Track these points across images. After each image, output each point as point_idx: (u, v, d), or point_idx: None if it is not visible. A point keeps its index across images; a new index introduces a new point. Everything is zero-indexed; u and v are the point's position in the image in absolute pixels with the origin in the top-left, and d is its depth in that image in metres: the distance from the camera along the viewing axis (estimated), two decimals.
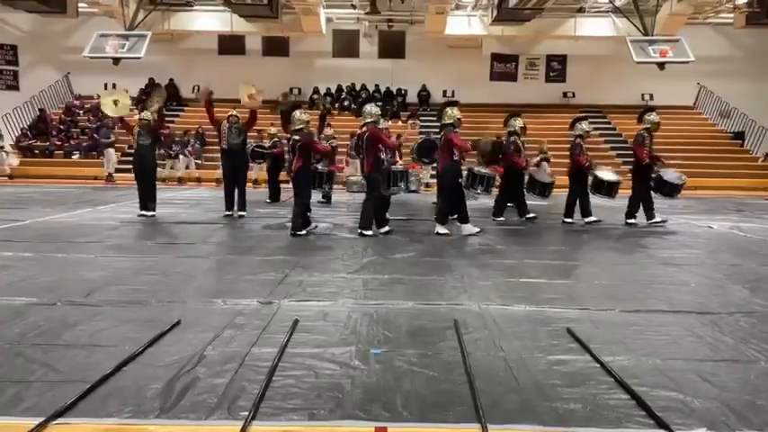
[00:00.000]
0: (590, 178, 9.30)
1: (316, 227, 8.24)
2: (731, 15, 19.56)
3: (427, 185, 15.41)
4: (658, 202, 9.23)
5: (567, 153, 9.43)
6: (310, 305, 4.35)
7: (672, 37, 17.39)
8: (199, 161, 18.80)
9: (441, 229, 7.90)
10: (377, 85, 23.06)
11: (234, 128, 9.37)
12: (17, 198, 12.27)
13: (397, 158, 10.00)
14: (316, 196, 9.38)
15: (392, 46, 23.05)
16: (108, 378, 2.92)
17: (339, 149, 13.48)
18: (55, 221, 8.75)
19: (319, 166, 8.70)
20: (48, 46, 22.38)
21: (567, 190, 9.44)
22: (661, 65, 17.30)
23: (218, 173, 17.00)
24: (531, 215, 9.38)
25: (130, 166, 10.58)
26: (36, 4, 17.63)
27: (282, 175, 12.13)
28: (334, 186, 9.96)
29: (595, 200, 9.43)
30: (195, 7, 19.88)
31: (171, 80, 23.00)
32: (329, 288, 4.91)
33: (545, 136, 18.28)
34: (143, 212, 9.31)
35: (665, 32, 17.70)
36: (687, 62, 16.97)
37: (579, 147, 9.21)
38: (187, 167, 18.31)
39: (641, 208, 9.12)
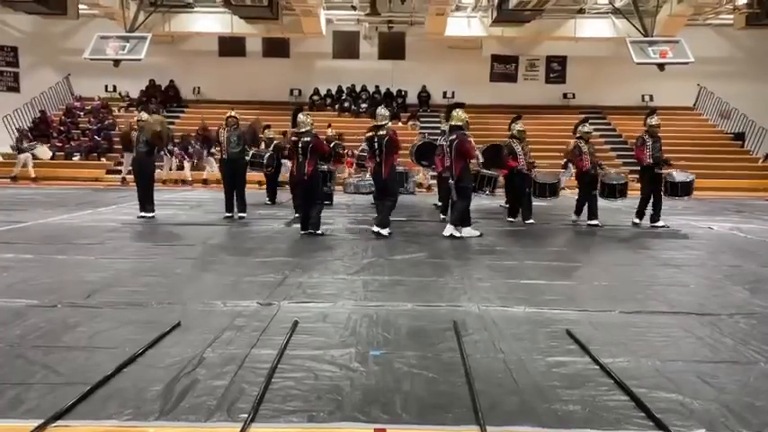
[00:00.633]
0: (599, 180, 9.43)
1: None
2: (731, 16, 19.56)
3: (429, 188, 15.40)
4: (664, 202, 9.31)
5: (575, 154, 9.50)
6: (310, 307, 4.35)
7: (672, 38, 17.38)
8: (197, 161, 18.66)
9: (455, 232, 7.78)
10: (377, 87, 23.07)
11: (233, 136, 9.39)
12: (18, 200, 12.28)
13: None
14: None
15: (392, 47, 23.05)
16: (108, 380, 2.93)
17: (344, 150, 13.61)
18: (56, 223, 8.76)
19: (326, 166, 8.72)
20: (48, 47, 22.41)
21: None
22: (661, 66, 17.30)
23: (205, 174, 17.19)
24: (530, 221, 9.37)
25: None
26: (36, 6, 17.62)
27: (283, 177, 12.14)
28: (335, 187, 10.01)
29: (602, 202, 9.53)
30: (195, 9, 19.89)
31: (171, 81, 23.05)
32: (329, 289, 4.92)
33: (545, 137, 18.39)
34: (142, 214, 9.34)
35: (665, 33, 17.69)
36: (687, 63, 16.96)
37: (577, 149, 9.30)
38: (180, 168, 18.13)
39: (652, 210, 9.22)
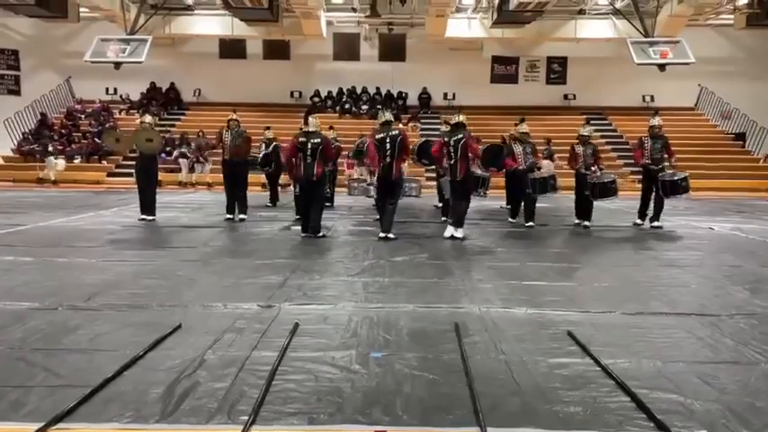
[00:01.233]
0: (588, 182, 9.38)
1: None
2: (731, 16, 19.56)
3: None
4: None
5: (568, 155, 9.52)
6: (311, 308, 4.35)
7: (672, 38, 17.36)
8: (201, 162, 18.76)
9: (456, 233, 7.77)
10: (377, 88, 23.08)
11: (235, 140, 9.39)
12: (19, 203, 12.30)
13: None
14: None
15: (393, 49, 23.08)
16: (109, 382, 2.92)
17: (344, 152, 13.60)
18: (56, 226, 8.76)
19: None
20: (49, 50, 22.47)
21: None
22: (662, 66, 17.27)
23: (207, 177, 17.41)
24: (530, 224, 9.34)
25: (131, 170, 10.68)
26: (37, 9, 17.68)
27: (284, 178, 12.15)
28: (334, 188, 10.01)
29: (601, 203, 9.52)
30: (196, 11, 19.92)
31: (172, 84, 23.08)
32: (330, 291, 4.92)
33: (546, 138, 18.37)
34: (143, 216, 9.34)
35: (666, 34, 17.69)
36: (688, 63, 16.94)
37: (571, 150, 9.41)
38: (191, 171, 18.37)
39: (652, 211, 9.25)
